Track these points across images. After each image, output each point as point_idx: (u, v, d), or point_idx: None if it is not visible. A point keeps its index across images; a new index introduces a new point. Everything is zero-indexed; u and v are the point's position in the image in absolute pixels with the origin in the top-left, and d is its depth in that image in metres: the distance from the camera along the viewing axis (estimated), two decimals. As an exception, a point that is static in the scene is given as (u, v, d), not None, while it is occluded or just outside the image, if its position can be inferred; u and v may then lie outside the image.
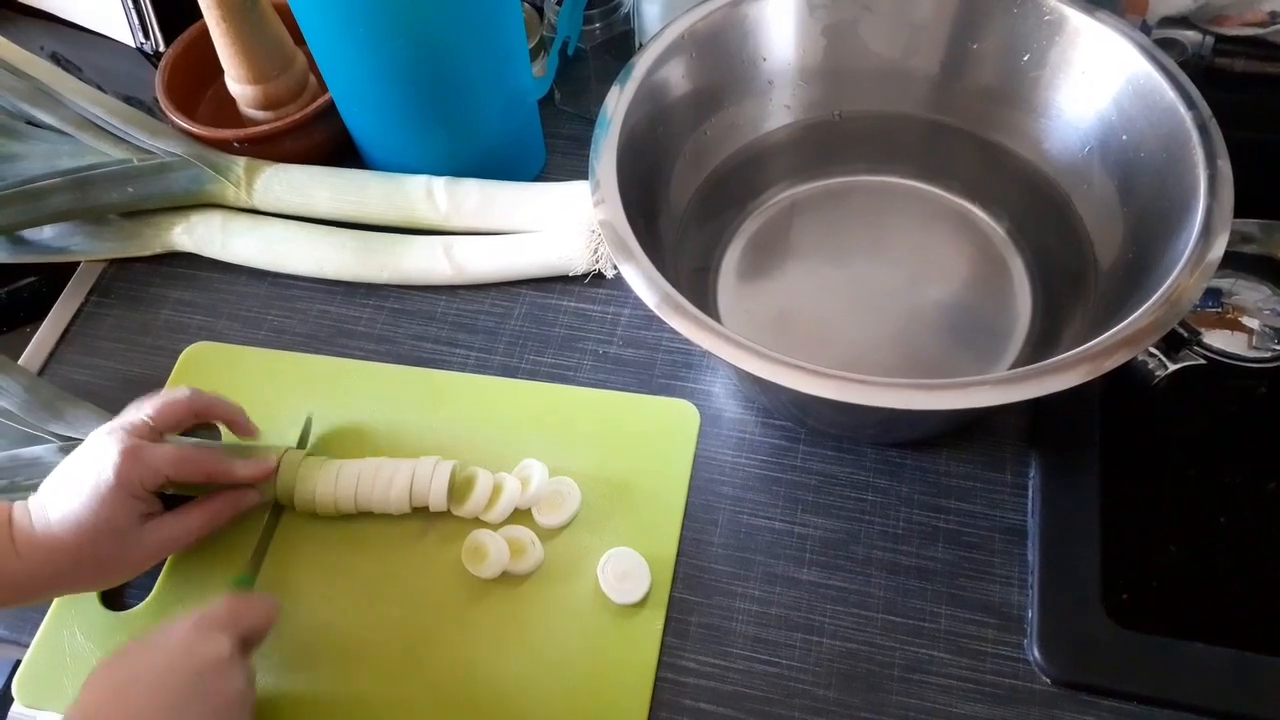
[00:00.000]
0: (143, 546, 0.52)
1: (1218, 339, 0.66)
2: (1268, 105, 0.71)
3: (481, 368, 0.65)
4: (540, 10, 0.74)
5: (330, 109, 0.71)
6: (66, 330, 0.69)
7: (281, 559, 0.57)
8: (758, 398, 0.61)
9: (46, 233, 0.72)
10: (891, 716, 0.51)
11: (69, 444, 0.58)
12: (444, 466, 0.56)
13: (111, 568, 0.52)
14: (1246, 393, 0.66)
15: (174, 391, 0.55)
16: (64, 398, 0.62)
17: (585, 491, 0.58)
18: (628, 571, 0.55)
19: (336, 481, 0.56)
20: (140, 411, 0.54)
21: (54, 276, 0.72)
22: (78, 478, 0.50)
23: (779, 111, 0.66)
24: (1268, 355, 0.65)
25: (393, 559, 0.57)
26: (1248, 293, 0.69)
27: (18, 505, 0.51)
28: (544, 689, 0.52)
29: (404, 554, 0.57)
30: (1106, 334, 0.46)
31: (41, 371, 0.67)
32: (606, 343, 0.65)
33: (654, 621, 0.54)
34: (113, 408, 0.62)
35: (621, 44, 0.74)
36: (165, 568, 0.57)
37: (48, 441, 0.59)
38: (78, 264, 0.73)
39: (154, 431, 0.53)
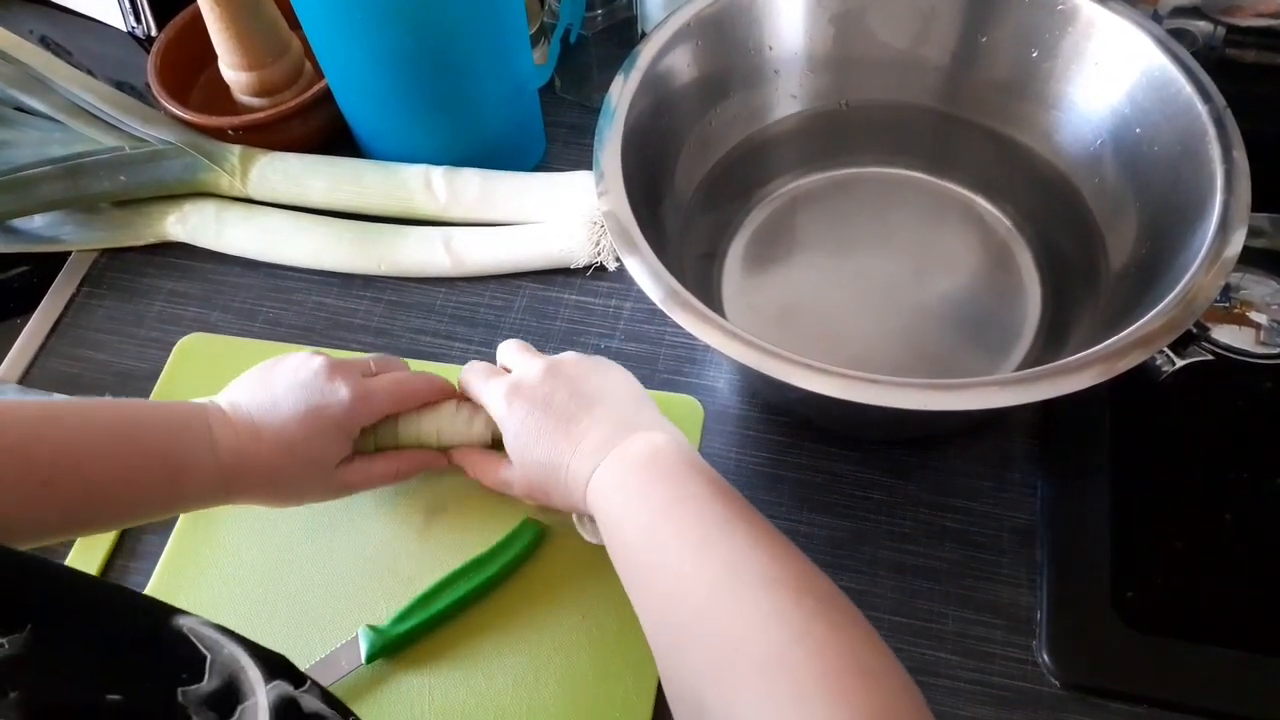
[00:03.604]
0: (334, 481, 0.52)
1: (1226, 334, 0.65)
2: (1279, 97, 0.71)
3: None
4: (541, 5, 0.73)
5: (326, 96, 0.70)
6: (57, 322, 0.68)
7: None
8: (763, 394, 0.60)
9: (37, 221, 0.71)
10: None
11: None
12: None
13: (300, 493, 0.52)
14: (1254, 389, 0.66)
15: (383, 357, 0.56)
16: (31, 393, 0.61)
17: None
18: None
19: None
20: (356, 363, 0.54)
21: (45, 266, 0.71)
22: (294, 401, 0.49)
23: (785, 101, 0.65)
24: (1276, 351, 0.65)
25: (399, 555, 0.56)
26: (1256, 287, 0.68)
27: (215, 406, 0.49)
28: (546, 694, 0.51)
29: (406, 547, 0.56)
30: (1120, 334, 0.45)
31: (32, 365, 0.66)
32: (608, 337, 0.64)
33: (657, 622, 0.53)
34: (105, 401, 0.61)
35: (623, 31, 0.72)
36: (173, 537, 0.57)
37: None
38: (69, 254, 0.71)
39: (371, 375, 0.53)
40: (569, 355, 0.51)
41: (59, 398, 0.61)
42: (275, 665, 0.32)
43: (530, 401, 0.48)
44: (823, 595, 0.38)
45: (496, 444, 0.53)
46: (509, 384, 0.50)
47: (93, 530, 0.54)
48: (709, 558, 0.40)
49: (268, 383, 0.51)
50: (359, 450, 0.53)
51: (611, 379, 0.50)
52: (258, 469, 0.49)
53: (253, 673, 0.31)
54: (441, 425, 0.54)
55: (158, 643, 0.31)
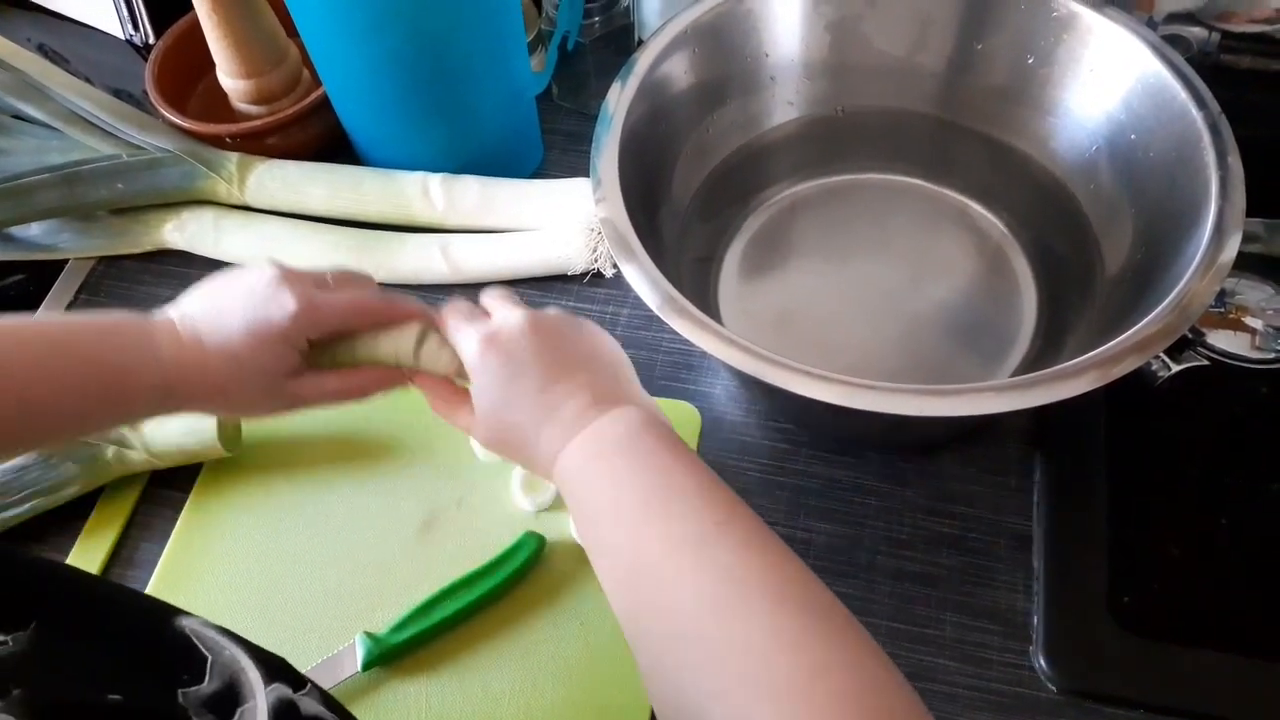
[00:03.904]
0: (284, 394, 0.49)
1: (1221, 339, 0.65)
2: (1274, 103, 0.71)
3: (478, 368, 0.64)
4: (539, 4, 0.73)
5: (324, 104, 0.70)
6: (55, 329, 0.68)
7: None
8: (760, 400, 0.60)
9: (34, 229, 0.71)
10: (896, 725, 0.50)
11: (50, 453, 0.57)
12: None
13: (250, 405, 0.50)
14: (1250, 394, 0.66)
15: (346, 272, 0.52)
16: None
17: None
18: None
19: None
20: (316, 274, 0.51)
21: (42, 274, 0.71)
22: (241, 311, 0.47)
23: (782, 108, 0.65)
24: (1271, 356, 0.65)
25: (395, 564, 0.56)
26: (1251, 293, 0.68)
27: (162, 316, 0.47)
28: (543, 703, 0.51)
29: (405, 555, 0.56)
30: (1115, 340, 0.46)
31: (30, 371, 0.66)
32: (605, 343, 0.64)
33: (655, 628, 0.53)
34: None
35: (621, 38, 0.73)
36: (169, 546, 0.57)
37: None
38: (66, 261, 0.71)
39: (325, 289, 0.50)
40: (553, 311, 0.48)
41: None
42: (275, 667, 0.32)
43: (507, 355, 0.45)
44: (826, 610, 0.37)
45: (465, 378, 0.49)
46: (487, 331, 0.46)
47: (35, 446, 0.51)
48: (702, 564, 0.37)
49: (217, 292, 0.49)
50: (314, 366, 0.50)
51: (597, 344, 0.47)
52: (204, 380, 0.47)
53: (253, 674, 0.31)
54: (401, 348, 0.50)
55: (160, 643, 0.31)
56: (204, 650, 0.31)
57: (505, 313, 0.47)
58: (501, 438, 0.47)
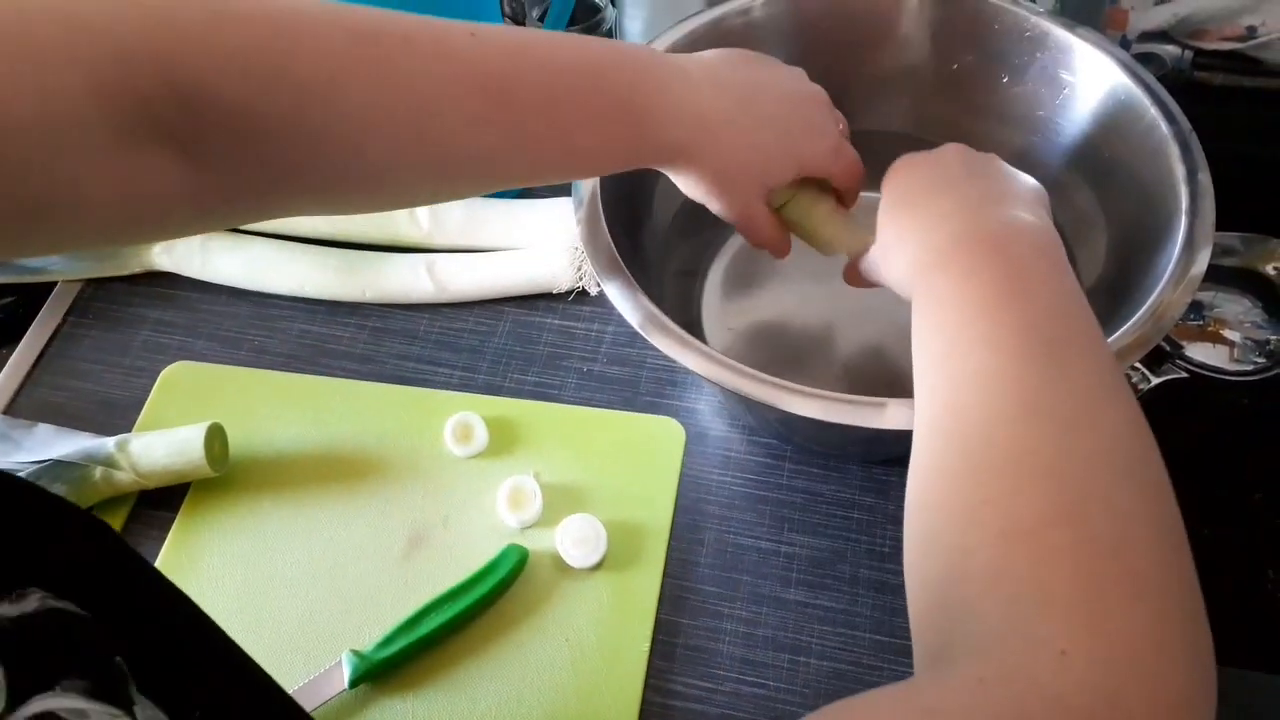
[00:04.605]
0: (750, 208, 0.49)
1: (1200, 352, 0.66)
2: (1247, 118, 0.72)
3: (465, 386, 0.64)
4: (522, 25, 0.74)
5: (311, 126, 0.70)
6: (43, 351, 0.68)
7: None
8: (743, 415, 0.61)
9: (23, 252, 0.71)
10: (880, 737, 0.50)
11: (41, 465, 0.57)
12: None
13: (725, 196, 0.48)
14: (1229, 405, 0.66)
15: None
16: (17, 425, 0.61)
17: (572, 510, 0.57)
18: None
19: None
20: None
21: (30, 296, 0.71)
22: (776, 108, 0.47)
23: (762, 127, 0.66)
24: (1250, 368, 0.65)
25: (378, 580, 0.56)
26: (1229, 305, 0.69)
27: (681, 67, 0.46)
28: (530, 714, 0.51)
29: (390, 572, 0.57)
30: (1091, 351, 0.46)
31: (17, 394, 0.66)
32: (591, 360, 0.65)
33: (639, 644, 0.53)
34: (91, 430, 0.61)
35: (604, 60, 0.73)
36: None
37: (14, 473, 0.58)
38: (54, 284, 0.72)
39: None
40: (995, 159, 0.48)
41: (44, 427, 0.62)
42: None
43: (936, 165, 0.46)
44: (1181, 541, 0.32)
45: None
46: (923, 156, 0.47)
47: (540, 180, 0.47)
48: (1095, 429, 0.33)
49: (751, 71, 0.48)
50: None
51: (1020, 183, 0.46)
52: (712, 156, 0.46)
53: None
54: (852, 245, 0.50)
55: None
56: None
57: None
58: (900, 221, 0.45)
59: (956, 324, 0.38)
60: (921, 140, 0.65)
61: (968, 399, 0.36)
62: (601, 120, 0.43)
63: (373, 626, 0.54)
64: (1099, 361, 0.36)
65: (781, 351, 0.61)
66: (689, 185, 0.48)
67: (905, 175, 0.46)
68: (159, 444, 0.58)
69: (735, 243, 0.66)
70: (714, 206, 0.49)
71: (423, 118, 0.39)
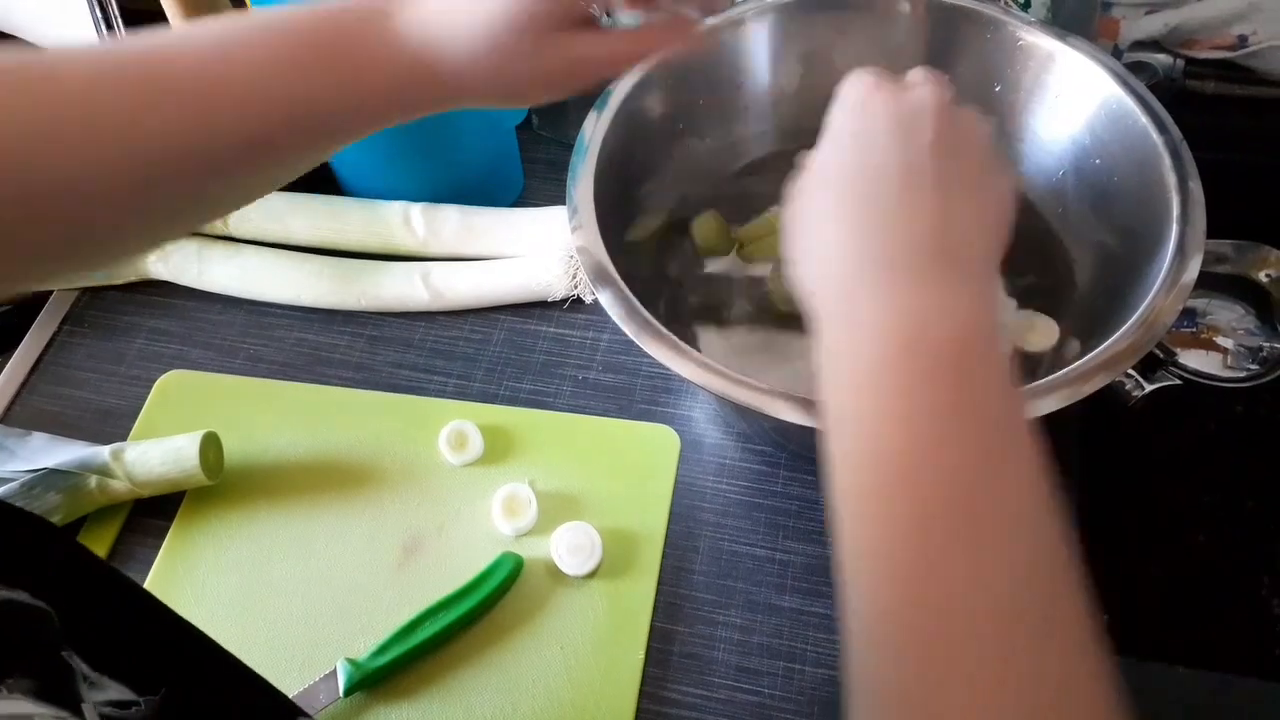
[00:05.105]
0: (558, 58, 0.40)
1: (1193, 359, 0.67)
2: (1239, 126, 0.72)
3: (460, 394, 0.64)
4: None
5: (307, 135, 0.71)
6: (39, 360, 0.68)
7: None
8: (738, 423, 0.61)
9: (18, 261, 0.71)
10: (875, 744, 0.50)
11: (35, 473, 0.57)
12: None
13: (513, 76, 0.41)
14: (1222, 412, 0.67)
15: None
16: (12, 434, 0.61)
17: (567, 518, 0.57)
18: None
19: None
20: None
21: (26, 305, 0.71)
22: None
23: (756, 136, 0.66)
24: (1243, 374, 0.66)
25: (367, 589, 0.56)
26: (1222, 312, 0.70)
27: None
28: (524, 722, 0.52)
29: (385, 580, 0.57)
30: (1084, 358, 0.46)
31: (13, 403, 0.66)
32: (586, 368, 0.65)
33: (634, 652, 0.53)
34: (86, 439, 0.61)
35: (599, 69, 0.74)
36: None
37: (9, 481, 0.58)
38: (50, 293, 0.72)
39: None
40: (977, 128, 0.38)
41: (39, 435, 0.62)
42: None
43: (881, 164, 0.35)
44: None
45: None
46: (884, 94, 0.37)
47: (292, 159, 0.41)
48: (1018, 558, 0.30)
49: None
50: None
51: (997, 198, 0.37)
52: (459, 41, 0.39)
53: None
54: None
55: None
56: None
57: (926, 88, 0.38)
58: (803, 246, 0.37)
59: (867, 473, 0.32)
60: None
61: (861, 579, 0.31)
62: (300, 69, 0.37)
63: (367, 634, 0.54)
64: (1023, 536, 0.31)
65: (775, 358, 0.61)
66: (468, 91, 0.41)
67: (811, 185, 0.38)
68: (154, 452, 0.58)
69: (730, 250, 0.66)
70: (508, 93, 0.42)
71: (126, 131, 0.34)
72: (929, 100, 0.37)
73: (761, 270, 0.64)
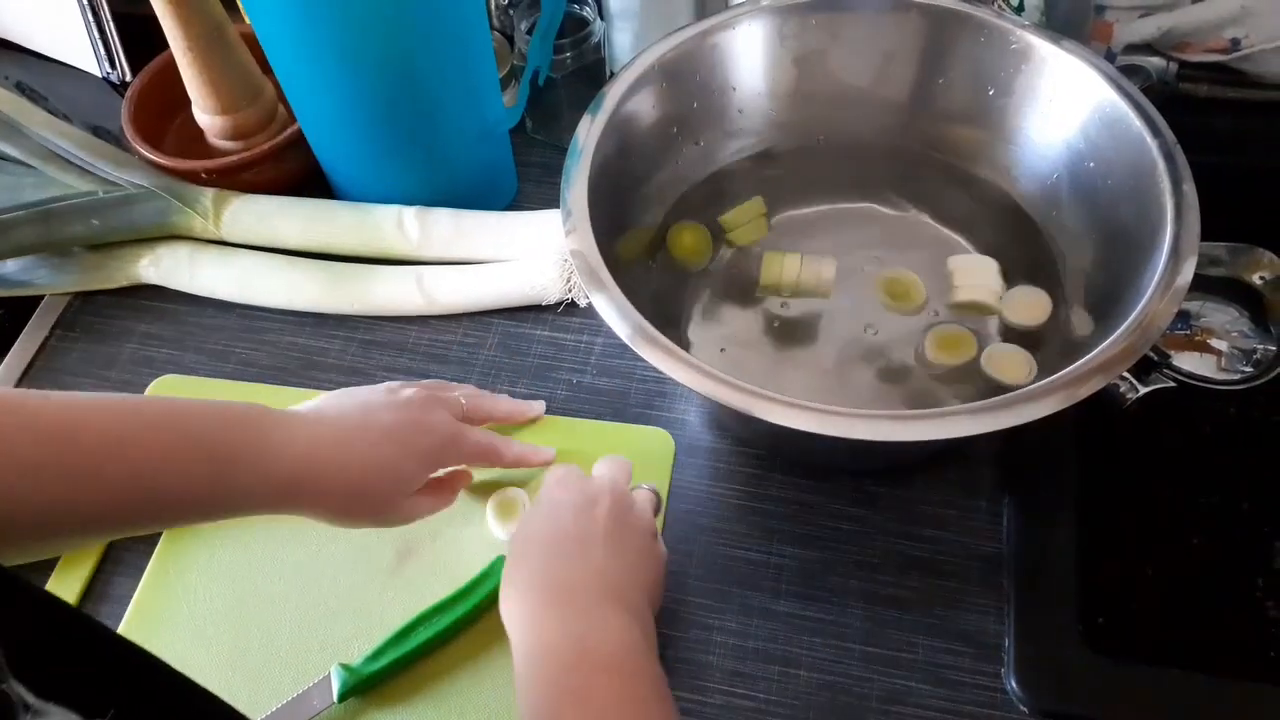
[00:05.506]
0: (400, 511, 0.52)
1: (1187, 361, 0.67)
2: (1232, 129, 0.72)
3: (454, 399, 0.64)
4: (510, 40, 0.74)
5: (299, 139, 0.71)
6: (30, 365, 0.68)
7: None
8: (732, 427, 0.61)
9: (9, 266, 0.71)
10: (870, 749, 0.50)
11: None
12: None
13: (376, 512, 0.51)
14: (1217, 414, 0.67)
15: (473, 391, 0.59)
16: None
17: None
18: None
19: None
20: (450, 391, 0.56)
21: (17, 310, 0.71)
22: (391, 422, 0.50)
23: (750, 139, 0.66)
24: (1237, 377, 0.66)
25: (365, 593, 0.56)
26: (1216, 315, 0.70)
27: (289, 414, 0.48)
28: (518, 728, 0.51)
29: (378, 586, 0.56)
30: (1079, 361, 0.46)
31: (4, 407, 0.66)
32: (580, 372, 0.65)
33: (630, 656, 0.53)
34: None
35: (593, 73, 0.74)
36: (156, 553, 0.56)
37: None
38: (42, 297, 0.72)
39: (463, 418, 0.55)
40: (644, 504, 0.51)
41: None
42: None
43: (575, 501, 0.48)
44: None
45: None
46: (575, 479, 0.50)
47: (132, 529, 0.47)
48: None
49: (360, 401, 0.51)
50: None
51: (654, 564, 0.49)
52: (337, 482, 0.48)
53: None
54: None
55: None
56: None
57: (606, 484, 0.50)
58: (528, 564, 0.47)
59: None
60: (907, 151, 0.66)
61: None
62: (183, 462, 0.43)
63: (361, 640, 0.54)
64: None
65: (769, 362, 0.61)
66: (324, 516, 0.49)
67: (520, 538, 0.48)
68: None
69: (724, 255, 0.66)
70: (364, 523, 0.51)
71: None
72: (606, 485, 0.49)
73: (755, 275, 0.64)
